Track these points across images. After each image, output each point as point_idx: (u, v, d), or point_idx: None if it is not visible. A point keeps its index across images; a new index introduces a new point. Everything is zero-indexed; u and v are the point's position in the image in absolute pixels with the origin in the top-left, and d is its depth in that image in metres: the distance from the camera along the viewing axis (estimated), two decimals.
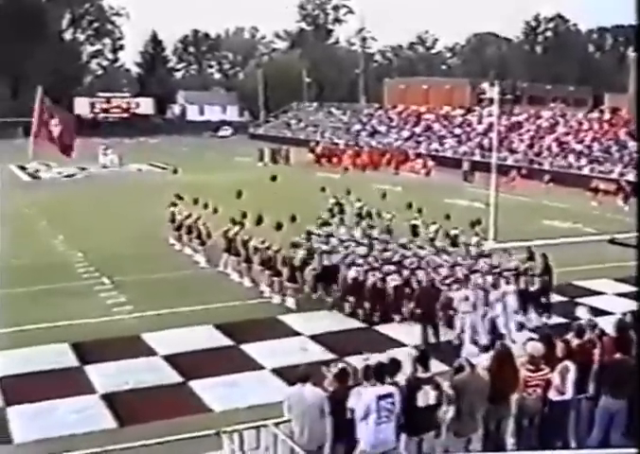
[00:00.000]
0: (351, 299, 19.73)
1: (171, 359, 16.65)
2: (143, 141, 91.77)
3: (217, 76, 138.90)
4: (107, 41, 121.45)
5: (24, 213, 37.23)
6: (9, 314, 19.92)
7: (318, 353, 16.96)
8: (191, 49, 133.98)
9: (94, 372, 15.95)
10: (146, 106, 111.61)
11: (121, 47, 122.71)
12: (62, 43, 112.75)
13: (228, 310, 20.36)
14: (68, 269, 25.43)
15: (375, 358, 10.16)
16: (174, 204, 30.51)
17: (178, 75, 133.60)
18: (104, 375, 15.73)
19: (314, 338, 18.11)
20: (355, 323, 19.34)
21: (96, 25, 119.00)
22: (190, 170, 52.11)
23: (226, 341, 17.97)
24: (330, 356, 16.28)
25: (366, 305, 19.43)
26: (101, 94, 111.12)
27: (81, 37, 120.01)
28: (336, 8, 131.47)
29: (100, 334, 18.29)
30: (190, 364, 16.35)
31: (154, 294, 21.88)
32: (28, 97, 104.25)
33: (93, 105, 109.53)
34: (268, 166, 60.02)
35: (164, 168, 57.67)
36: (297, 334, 18.54)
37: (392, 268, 19.99)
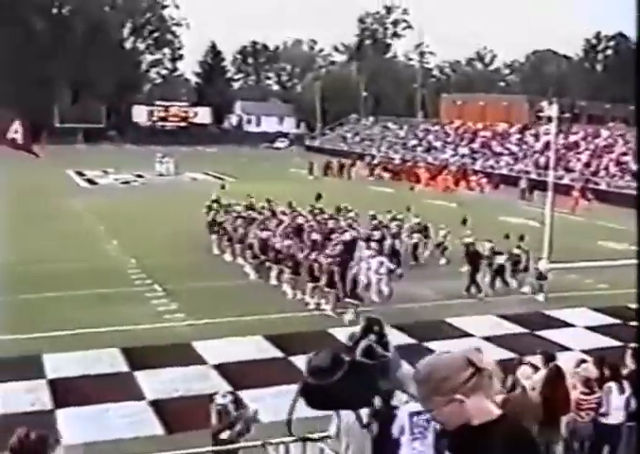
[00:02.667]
0: None
1: (221, 368, 16.71)
2: (199, 150, 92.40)
3: (275, 87, 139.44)
4: (167, 50, 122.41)
5: (80, 218, 37.69)
6: (63, 317, 20.19)
7: None
8: (250, 60, 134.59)
9: (143, 378, 16.07)
10: (203, 115, 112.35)
11: (180, 57, 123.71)
12: (122, 51, 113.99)
13: (279, 321, 20.40)
14: (121, 274, 25.68)
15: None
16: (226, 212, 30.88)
17: (236, 85, 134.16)
18: (154, 382, 15.84)
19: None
20: (405, 339, 19.23)
21: (156, 34, 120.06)
22: (244, 180, 52.38)
23: (276, 353, 17.99)
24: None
25: None
26: (160, 102, 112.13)
27: (142, 46, 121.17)
28: (395, 22, 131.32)
29: (151, 340, 18.43)
30: (239, 374, 16.38)
31: (205, 303, 21.97)
32: (88, 104, 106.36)
33: (151, 113, 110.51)
34: (318, 179, 60.03)
35: (219, 178, 58.01)
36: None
37: None
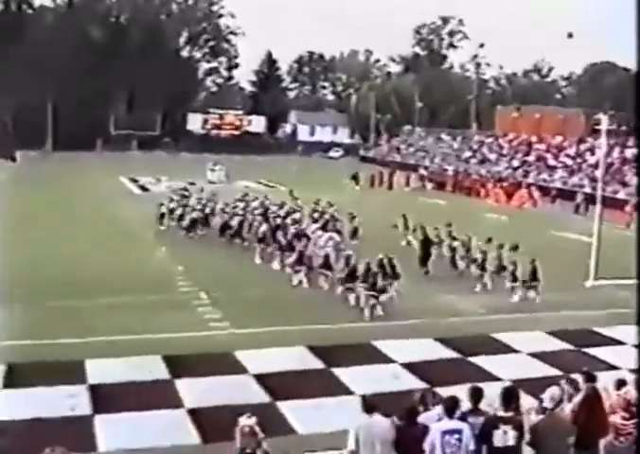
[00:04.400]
0: None
1: (261, 379, 16.59)
2: (253, 159, 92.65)
3: (330, 97, 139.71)
4: (222, 59, 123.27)
5: (130, 224, 37.96)
6: (107, 323, 20.28)
7: (411, 381, 16.68)
8: (306, 70, 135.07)
9: (183, 386, 16.02)
10: (258, 124, 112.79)
11: (236, 66, 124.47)
12: (178, 59, 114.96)
13: (323, 332, 20.24)
14: (168, 281, 25.76)
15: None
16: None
17: (291, 94, 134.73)
18: (193, 390, 15.78)
19: (407, 366, 17.80)
20: (449, 353, 18.99)
21: (212, 43, 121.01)
22: (296, 189, 52.36)
23: (318, 364, 17.84)
24: (423, 385, 15.95)
25: None
26: (214, 110, 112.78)
27: (198, 54, 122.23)
28: (451, 33, 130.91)
29: (194, 348, 18.38)
30: (280, 385, 16.26)
31: (251, 312, 21.92)
32: (144, 112, 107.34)
33: (206, 121, 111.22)
34: (365, 190, 59.80)
35: (271, 187, 58.10)
36: (391, 361, 18.26)
37: None
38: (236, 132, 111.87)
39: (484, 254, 26.79)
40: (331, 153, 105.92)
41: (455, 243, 29.24)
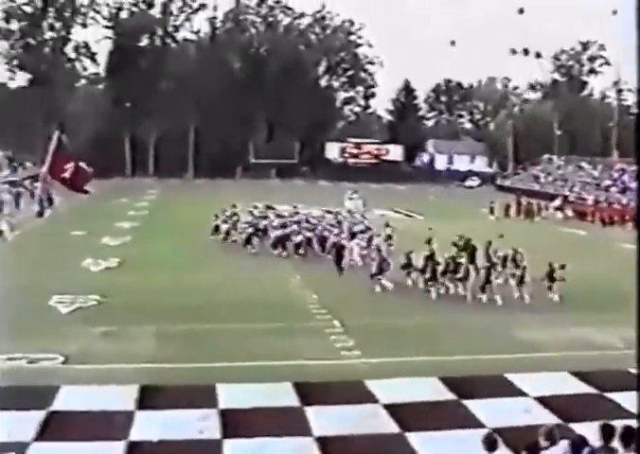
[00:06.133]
0: None
1: (391, 409, 16.47)
2: (390, 187, 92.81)
3: (467, 125, 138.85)
4: (360, 88, 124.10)
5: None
6: (240, 348, 20.57)
7: (543, 416, 16.31)
8: (443, 98, 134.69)
9: (313, 413, 16.06)
10: (395, 153, 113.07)
11: (373, 95, 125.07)
12: (317, 89, 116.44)
13: (456, 363, 19.97)
14: (302, 308, 25.93)
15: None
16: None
17: (428, 123, 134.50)
18: (322, 418, 15.76)
19: (539, 400, 17.42)
20: (585, 388, 18.50)
21: (350, 72, 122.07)
22: (431, 218, 52.24)
23: (449, 395, 17.62)
24: (555, 420, 15.58)
25: None
26: (352, 139, 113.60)
27: (336, 84, 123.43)
28: (592, 58, 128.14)
29: (325, 376, 18.40)
30: (410, 415, 16.12)
31: (384, 340, 21.76)
32: (282, 140, 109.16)
33: (343, 150, 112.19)
34: (500, 219, 59.00)
35: (408, 215, 58.06)
36: (523, 394, 17.91)
37: None
38: (373, 161, 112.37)
39: None
40: (468, 182, 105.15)
41: None
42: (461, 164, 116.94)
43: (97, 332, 22.13)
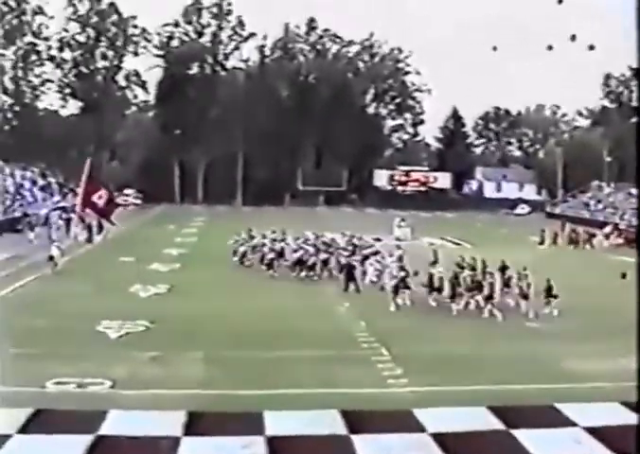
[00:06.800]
0: None
1: (439, 438, 16.30)
2: (438, 215, 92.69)
3: (516, 153, 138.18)
4: (408, 115, 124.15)
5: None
6: (287, 375, 20.55)
7: (593, 446, 16.03)
8: (491, 126, 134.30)
9: (359, 442, 15.93)
10: (443, 180, 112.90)
11: (422, 122, 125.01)
12: (365, 116, 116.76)
13: (505, 392, 19.75)
14: (349, 336, 25.84)
15: None
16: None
17: (477, 150, 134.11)
18: (369, 446, 15.65)
19: (590, 430, 17.12)
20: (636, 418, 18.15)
21: (398, 100, 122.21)
22: (480, 246, 51.93)
23: (498, 425, 17.38)
24: (605, 451, 15.32)
25: None
26: (401, 167, 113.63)
27: (384, 111, 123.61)
28: None
29: (372, 404, 18.28)
30: (458, 445, 15.94)
31: (432, 369, 21.61)
32: (330, 168, 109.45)
33: (391, 177, 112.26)
34: (548, 247, 58.54)
35: (456, 244, 57.77)
36: (573, 425, 17.62)
37: None
38: (422, 189, 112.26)
39: None
40: (517, 210, 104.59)
41: None
42: (510, 191, 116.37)
43: (144, 357, 22.23)
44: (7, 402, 17.40)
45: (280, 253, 41.10)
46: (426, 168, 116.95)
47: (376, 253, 40.84)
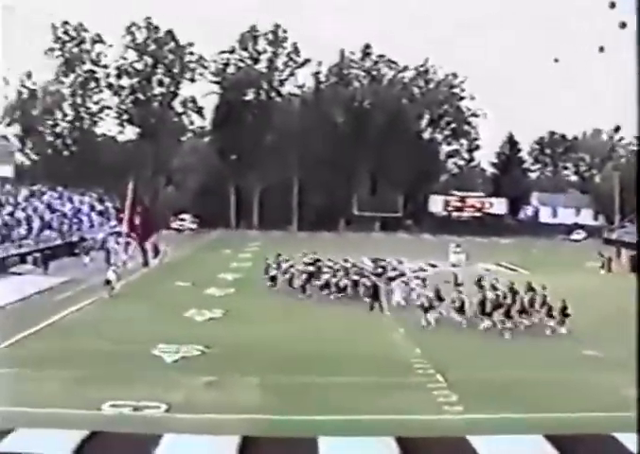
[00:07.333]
0: None
1: None
2: (494, 241, 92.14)
3: (572, 178, 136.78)
4: (464, 141, 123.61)
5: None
6: (341, 401, 20.50)
7: None
8: (547, 151, 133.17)
9: None
10: (499, 206, 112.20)
11: (477, 147, 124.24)
12: (420, 142, 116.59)
13: (562, 420, 19.46)
14: (404, 363, 25.73)
15: None
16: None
17: (532, 176, 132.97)
18: None
19: None
20: None
21: (453, 125, 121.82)
22: (536, 272, 51.47)
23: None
24: None
25: None
26: (456, 192, 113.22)
27: (439, 137, 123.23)
28: None
29: (426, 431, 18.17)
30: None
31: (488, 396, 21.48)
32: (386, 193, 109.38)
33: (447, 203, 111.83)
34: (604, 273, 57.85)
35: (512, 270, 57.31)
36: None
37: None
38: (477, 214, 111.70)
39: None
40: (574, 235, 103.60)
41: None
42: (566, 216, 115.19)
43: (200, 382, 22.34)
44: (63, 423, 17.59)
45: (311, 276, 42.54)
46: (482, 194, 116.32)
47: (402, 274, 42.96)
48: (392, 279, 41.65)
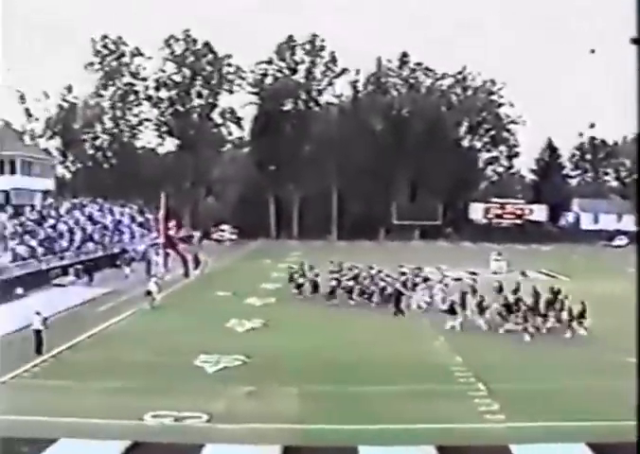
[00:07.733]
0: None
1: None
2: (534, 248, 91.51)
3: (613, 183, 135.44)
4: (503, 148, 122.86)
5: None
6: (382, 410, 20.50)
7: None
8: (587, 156, 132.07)
9: None
10: (539, 213, 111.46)
11: (516, 154, 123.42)
12: (459, 149, 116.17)
13: (604, 429, 19.22)
14: (445, 371, 25.69)
15: None
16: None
17: (573, 182, 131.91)
18: None
19: None
20: None
21: (492, 132, 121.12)
22: (578, 279, 51.13)
23: None
24: None
25: None
26: (496, 199, 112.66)
27: (478, 144, 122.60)
28: None
29: (467, 440, 18.14)
30: None
31: (529, 404, 21.33)
32: (425, 201, 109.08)
33: (487, 210, 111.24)
34: None
35: (553, 276, 56.89)
36: None
37: None
38: (517, 222, 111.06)
39: None
40: (616, 242, 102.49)
41: None
42: (607, 223, 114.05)
43: (241, 392, 22.42)
44: (106, 434, 17.77)
45: (339, 283, 43.49)
46: (522, 201, 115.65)
47: (425, 280, 43.80)
48: (416, 285, 42.74)
